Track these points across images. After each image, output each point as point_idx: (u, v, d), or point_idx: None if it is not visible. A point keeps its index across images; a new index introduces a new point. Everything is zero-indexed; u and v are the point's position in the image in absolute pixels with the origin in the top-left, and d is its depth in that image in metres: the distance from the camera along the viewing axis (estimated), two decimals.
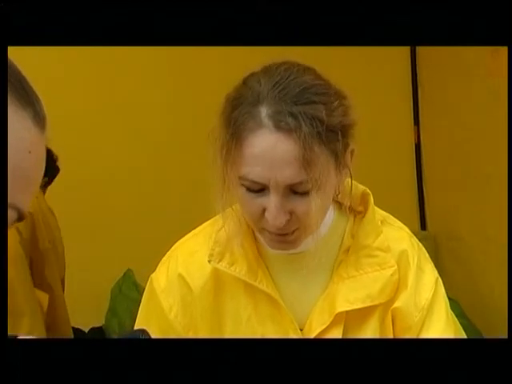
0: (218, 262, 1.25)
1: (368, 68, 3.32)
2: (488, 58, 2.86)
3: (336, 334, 1.23)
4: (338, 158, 1.14)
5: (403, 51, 3.44)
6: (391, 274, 1.24)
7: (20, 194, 0.71)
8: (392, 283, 1.24)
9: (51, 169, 2.35)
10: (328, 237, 1.27)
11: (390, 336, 1.25)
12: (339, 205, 1.29)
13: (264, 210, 1.15)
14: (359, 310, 1.23)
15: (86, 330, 3.14)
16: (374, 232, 1.27)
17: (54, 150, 2.25)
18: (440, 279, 1.31)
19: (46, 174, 0.75)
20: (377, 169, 2.92)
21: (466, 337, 1.34)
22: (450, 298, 1.33)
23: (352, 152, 1.19)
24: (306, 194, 1.12)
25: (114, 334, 3.05)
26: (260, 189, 1.13)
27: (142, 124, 3.20)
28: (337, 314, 1.22)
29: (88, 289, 3.03)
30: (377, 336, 1.24)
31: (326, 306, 1.24)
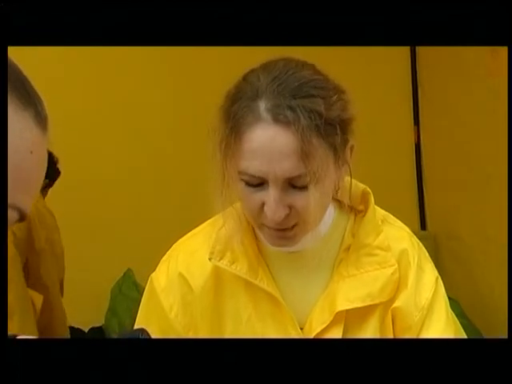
0: (219, 260, 1.25)
1: (368, 68, 3.33)
2: (488, 58, 2.86)
3: (336, 332, 1.23)
4: (337, 152, 1.14)
5: (403, 51, 3.44)
6: (391, 273, 1.24)
7: (21, 195, 0.71)
8: (392, 282, 1.24)
9: (52, 171, 2.35)
10: (328, 235, 1.27)
11: (390, 335, 1.25)
12: (340, 203, 1.29)
13: (263, 205, 1.15)
14: (359, 308, 1.23)
15: (86, 330, 3.14)
16: (375, 231, 1.27)
17: (54, 150, 2.24)
18: (440, 279, 1.31)
19: (46, 176, 0.75)
20: (377, 168, 2.92)
21: (466, 337, 1.34)
22: (449, 298, 1.33)
23: (352, 148, 1.19)
24: (304, 188, 1.13)
25: (114, 333, 3.06)
26: (259, 183, 1.14)
27: (141, 124, 3.20)
28: (337, 313, 1.22)
29: (88, 289, 3.03)
30: (377, 335, 1.24)
31: (326, 304, 1.24)
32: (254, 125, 1.11)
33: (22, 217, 0.72)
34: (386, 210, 1.34)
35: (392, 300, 1.25)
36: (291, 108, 1.09)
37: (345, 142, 1.16)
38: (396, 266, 1.25)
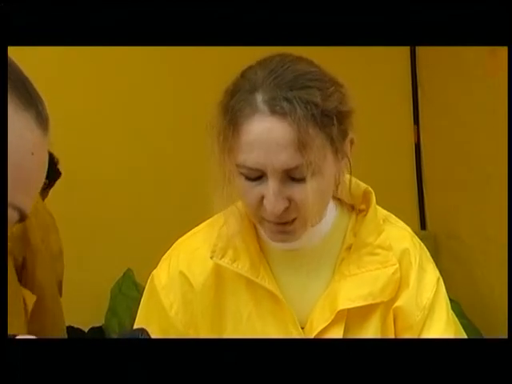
0: (221, 258, 1.25)
1: (368, 68, 3.32)
2: (486, 58, 2.86)
3: (337, 331, 1.23)
4: (335, 144, 1.15)
5: (403, 51, 3.44)
6: (393, 273, 1.24)
7: (22, 195, 0.71)
8: (393, 282, 1.24)
9: (52, 172, 2.34)
10: (330, 234, 1.27)
11: (392, 335, 1.25)
12: (341, 203, 1.30)
13: (262, 199, 1.15)
14: (361, 308, 1.23)
15: (86, 330, 3.14)
16: (376, 230, 1.27)
17: (54, 150, 2.24)
18: (441, 279, 1.31)
19: (46, 177, 0.75)
20: (377, 168, 2.91)
21: (466, 337, 1.34)
22: (449, 298, 1.33)
23: (352, 141, 1.20)
24: (303, 180, 1.13)
25: (114, 333, 3.05)
26: (258, 176, 1.14)
27: (141, 124, 3.20)
28: (338, 312, 1.22)
29: (88, 289, 3.03)
30: (378, 334, 1.24)
31: (327, 303, 1.24)
32: (251, 117, 1.12)
33: (23, 217, 0.72)
34: (386, 210, 1.34)
35: (393, 299, 1.25)
36: (287, 99, 1.11)
37: (343, 134, 1.16)
38: (397, 265, 1.25)
